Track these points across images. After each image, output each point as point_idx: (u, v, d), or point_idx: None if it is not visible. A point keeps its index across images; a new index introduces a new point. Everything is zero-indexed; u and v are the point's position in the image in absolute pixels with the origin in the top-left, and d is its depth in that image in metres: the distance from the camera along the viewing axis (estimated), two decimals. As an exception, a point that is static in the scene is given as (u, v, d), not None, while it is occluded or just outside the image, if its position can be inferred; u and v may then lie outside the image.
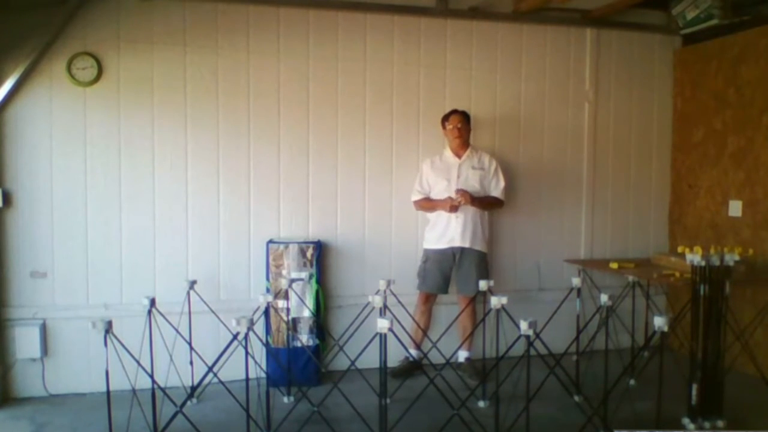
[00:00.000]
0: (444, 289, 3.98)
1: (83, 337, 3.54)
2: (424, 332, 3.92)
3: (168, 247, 3.78)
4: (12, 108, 3.53)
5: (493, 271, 4.22)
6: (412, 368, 3.84)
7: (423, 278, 3.98)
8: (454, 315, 3.93)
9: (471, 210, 3.88)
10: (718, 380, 3.16)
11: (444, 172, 3.94)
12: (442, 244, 3.92)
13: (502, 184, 4.01)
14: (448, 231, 3.89)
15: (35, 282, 3.61)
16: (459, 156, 3.97)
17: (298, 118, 3.96)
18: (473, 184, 3.91)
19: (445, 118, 3.96)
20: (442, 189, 3.91)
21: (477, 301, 3.84)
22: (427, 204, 3.97)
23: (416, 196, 4.01)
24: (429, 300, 4.02)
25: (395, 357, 3.87)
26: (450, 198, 3.81)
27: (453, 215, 3.85)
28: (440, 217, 3.91)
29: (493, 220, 4.31)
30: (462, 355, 3.98)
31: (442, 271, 3.93)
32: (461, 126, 3.91)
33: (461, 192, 3.79)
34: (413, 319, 3.96)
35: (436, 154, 4.04)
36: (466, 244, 3.88)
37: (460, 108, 4.00)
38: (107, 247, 3.70)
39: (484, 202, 3.94)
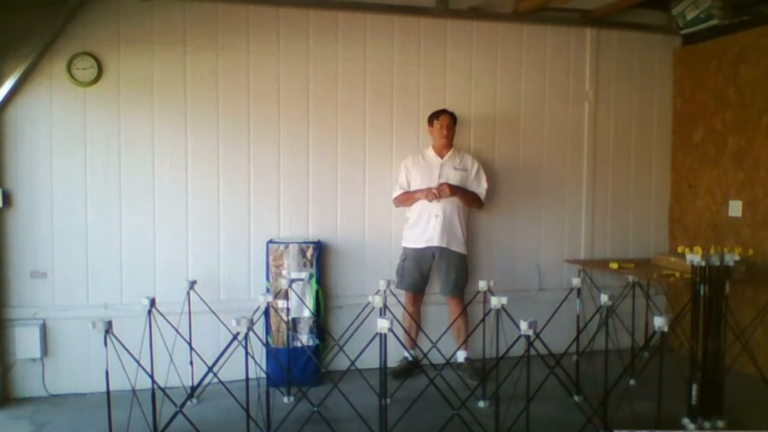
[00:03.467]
0: (421, 288, 3.99)
1: (83, 337, 3.53)
2: (418, 330, 3.92)
3: (168, 247, 3.78)
4: (12, 108, 3.53)
5: (493, 271, 4.24)
6: (412, 367, 3.85)
7: (401, 276, 3.97)
8: (452, 315, 3.93)
9: (450, 211, 3.89)
10: (718, 380, 3.16)
11: (426, 171, 3.94)
12: (421, 243, 3.92)
13: (484, 185, 4.03)
14: (428, 230, 3.89)
15: (35, 282, 3.61)
16: (441, 156, 3.97)
17: (298, 118, 3.96)
18: (454, 184, 3.89)
19: (435, 116, 3.95)
20: (422, 187, 3.89)
21: (477, 301, 3.83)
22: (407, 197, 3.95)
23: (397, 192, 3.99)
24: (416, 300, 4.02)
25: (395, 357, 3.87)
26: (430, 188, 3.80)
27: (433, 215, 3.86)
28: (421, 216, 3.91)
29: (492, 220, 4.32)
30: (461, 355, 3.97)
31: (420, 270, 3.94)
32: (449, 126, 3.92)
33: (443, 184, 3.80)
34: (410, 317, 3.94)
35: (417, 152, 4.04)
36: (444, 245, 3.89)
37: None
38: (107, 247, 3.70)
39: (465, 195, 3.94)
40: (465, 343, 3.87)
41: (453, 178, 3.91)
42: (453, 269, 3.91)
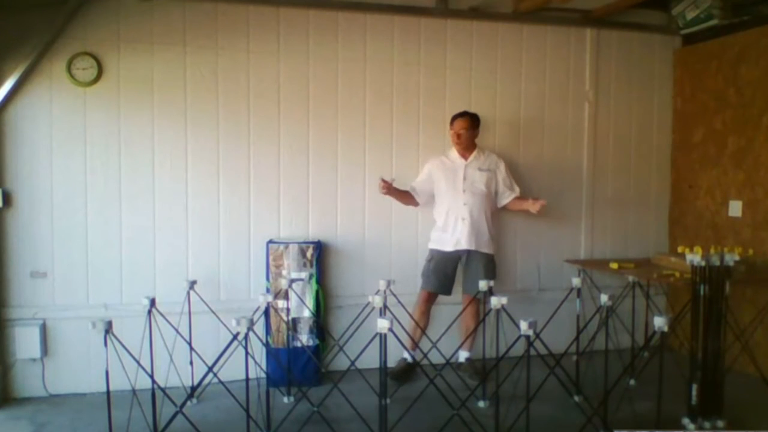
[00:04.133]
0: (448, 289, 3.96)
1: (83, 337, 3.54)
2: (423, 332, 3.88)
3: (168, 247, 3.78)
4: (12, 108, 3.53)
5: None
6: (410, 369, 3.83)
7: (427, 277, 3.95)
8: (453, 315, 3.91)
9: (477, 213, 3.89)
10: (718, 380, 3.16)
11: (451, 173, 3.93)
12: (449, 247, 3.91)
13: (516, 187, 4.07)
14: (455, 233, 3.89)
15: (35, 282, 3.61)
16: (465, 157, 3.96)
17: (298, 118, 3.96)
18: (479, 186, 3.91)
19: (453, 119, 3.94)
20: (448, 190, 3.91)
21: (479, 301, 3.84)
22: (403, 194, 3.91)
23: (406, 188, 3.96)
24: (430, 300, 3.98)
25: (395, 357, 3.87)
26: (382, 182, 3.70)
27: (460, 218, 3.86)
28: (448, 219, 3.90)
29: (492, 220, 4.32)
30: (462, 355, 3.97)
31: (446, 273, 3.93)
32: (463, 132, 3.89)
33: (384, 183, 3.69)
34: (412, 318, 3.92)
35: (442, 154, 4.04)
36: (473, 247, 3.88)
37: (463, 108, 3.99)
38: (107, 247, 3.70)
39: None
40: (470, 343, 3.86)
41: (478, 179, 3.92)
42: (483, 270, 3.86)
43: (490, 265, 3.95)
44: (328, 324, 3.97)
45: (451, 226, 3.90)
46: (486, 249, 3.94)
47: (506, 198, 4.05)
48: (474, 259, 3.91)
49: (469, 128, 3.91)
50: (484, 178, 3.93)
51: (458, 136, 3.89)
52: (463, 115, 3.93)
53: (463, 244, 3.87)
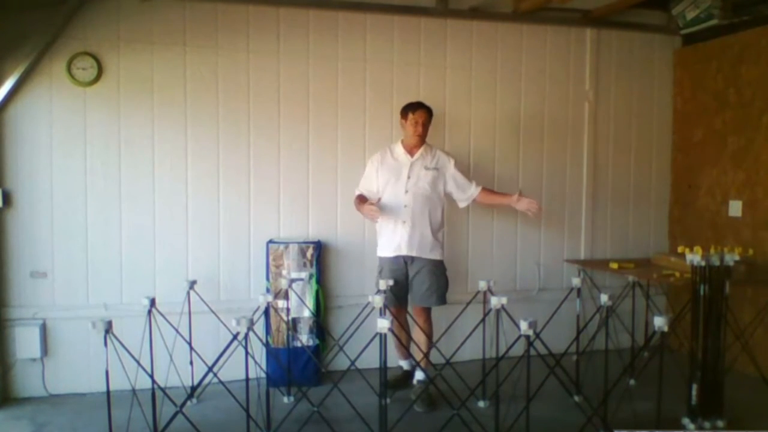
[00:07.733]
0: (404, 300, 3.63)
1: (83, 337, 3.54)
2: (409, 339, 3.71)
3: (168, 247, 3.78)
4: (12, 108, 3.53)
5: (493, 271, 4.25)
6: (407, 377, 3.78)
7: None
8: (454, 314, 3.90)
9: (420, 216, 3.52)
10: (718, 380, 3.16)
11: (395, 171, 3.57)
12: (391, 252, 3.57)
13: (472, 184, 3.66)
14: (395, 238, 3.54)
15: (35, 282, 3.61)
16: (412, 154, 3.59)
17: (298, 117, 3.96)
18: (424, 186, 3.54)
19: (410, 109, 3.57)
20: (389, 190, 3.57)
21: (477, 300, 3.80)
22: (358, 202, 3.60)
23: (359, 191, 3.70)
24: (401, 312, 3.66)
25: (395, 357, 3.87)
26: (371, 206, 3.42)
27: (400, 221, 3.52)
28: (387, 222, 3.56)
29: (492, 220, 4.32)
30: (417, 376, 3.64)
31: (397, 281, 3.55)
32: (424, 122, 3.55)
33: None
34: (399, 327, 3.60)
35: (385, 147, 3.72)
36: (414, 253, 3.52)
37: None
38: (107, 247, 3.70)
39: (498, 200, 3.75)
40: (426, 361, 3.47)
41: (423, 178, 3.54)
42: (428, 277, 3.53)
43: (438, 272, 3.57)
44: (328, 324, 3.97)
45: (390, 231, 3.56)
46: (431, 255, 3.55)
47: (468, 195, 3.66)
48: (418, 266, 3.54)
49: (427, 121, 3.57)
50: (429, 177, 3.55)
51: (423, 125, 3.53)
52: (422, 105, 3.58)
53: (404, 250, 3.52)
